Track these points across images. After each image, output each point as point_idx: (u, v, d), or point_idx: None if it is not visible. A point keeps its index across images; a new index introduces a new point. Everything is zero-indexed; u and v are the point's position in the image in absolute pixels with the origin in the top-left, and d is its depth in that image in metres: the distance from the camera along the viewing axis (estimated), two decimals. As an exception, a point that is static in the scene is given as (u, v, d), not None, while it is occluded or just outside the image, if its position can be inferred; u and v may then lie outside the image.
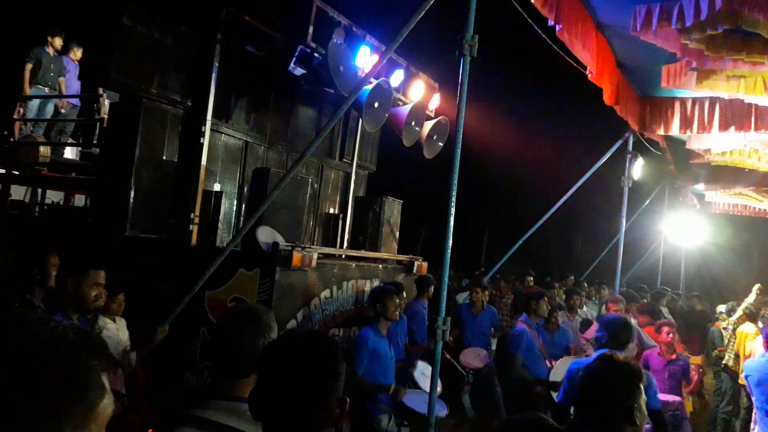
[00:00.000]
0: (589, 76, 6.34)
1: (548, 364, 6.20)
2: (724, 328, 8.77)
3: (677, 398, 6.14)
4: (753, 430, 5.65)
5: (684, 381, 6.59)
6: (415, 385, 5.66)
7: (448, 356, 6.90)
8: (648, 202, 12.71)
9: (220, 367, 2.31)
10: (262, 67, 6.63)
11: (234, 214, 7.08)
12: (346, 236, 8.39)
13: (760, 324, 7.53)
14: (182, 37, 6.19)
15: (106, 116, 7.50)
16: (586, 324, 7.66)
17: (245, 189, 7.04)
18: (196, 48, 6.26)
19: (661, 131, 8.36)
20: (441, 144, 7.70)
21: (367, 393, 5.20)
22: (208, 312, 5.12)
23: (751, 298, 8.37)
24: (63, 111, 9.13)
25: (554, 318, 6.72)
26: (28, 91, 8.53)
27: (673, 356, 6.51)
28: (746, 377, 5.56)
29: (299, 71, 6.16)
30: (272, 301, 4.94)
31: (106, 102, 7.82)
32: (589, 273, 12.68)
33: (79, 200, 8.84)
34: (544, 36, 5.43)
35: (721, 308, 9.67)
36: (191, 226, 6.09)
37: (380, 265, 6.85)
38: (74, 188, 8.56)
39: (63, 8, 9.88)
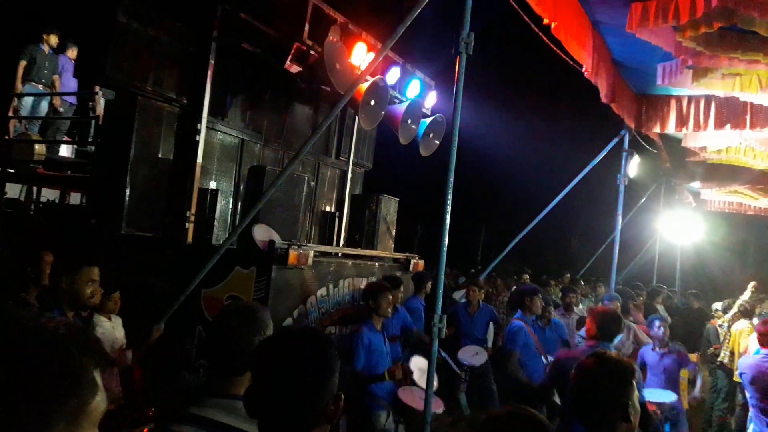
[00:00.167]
0: (585, 73, 6.34)
1: (544, 360, 6.21)
2: (720, 326, 8.80)
3: (673, 397, 6.16)
4: (749, 427, 5.67)
5: (684, 368, 6.64)
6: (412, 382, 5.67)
7: (442, 354, 6.90)
8: (644, 199, 12.76)
9: (216, 365, 2.31)
10: (258, 64, 6.62)
11: (230, 212, 7.07)
12: (343, 234, 8.39)
13: (755, 321, 7.56)
14: (178, 34, 6.17)
15: (101, 114, 7.48)
16: (582, 322, 7.68)
17: (241, 187, 7.02)
18: (191, 45, 6.24)
19: (657, 129, 8.37)
20: (437, 142, 7.69)
21: (365, 383, 5.20)
22: (204, 310, 5.11)
23: (746, 295, 8.40)
24: (62, 110, 9.10)
25: (547, 313, 6.73)
26: (20, 87, 8.49)
27: (666, 349, 6.58)
28: (740, 374, 5.59)
29: (295, 69, 6.14)
30: (268, 299, 4.94)
31: (102, 100, 7.79)
32: (585, 271, 12.71)
33: (75, 198, 8.81)
34: (540, 33, 5.42)
35: (717, 306, 9.71)
36: (187, 224, 6.08)
37: (376, 263, 6.86)
38: (70, 186, 8.53)
39: (58, 5, 9.83)
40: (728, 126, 7.47)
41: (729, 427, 8.14)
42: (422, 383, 5.30)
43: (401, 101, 7.26)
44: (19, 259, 4.55)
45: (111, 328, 4.60)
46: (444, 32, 4.38)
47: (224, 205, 6.91)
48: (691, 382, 7.33)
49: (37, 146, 7.63)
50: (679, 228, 13.91)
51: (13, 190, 8.81)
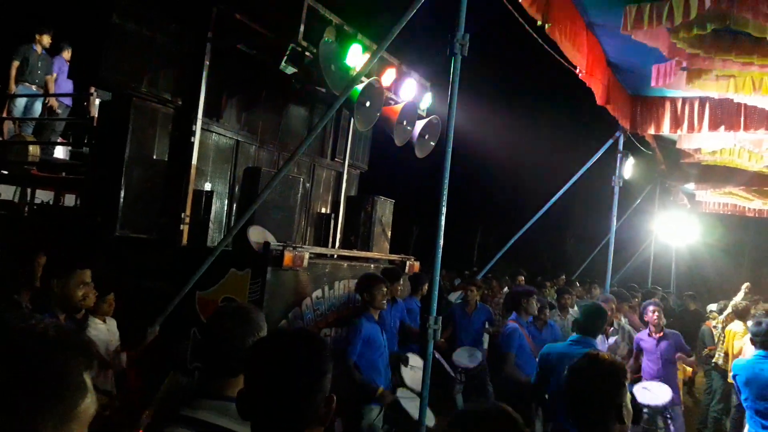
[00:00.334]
0: (580, 75, 6.35)
1: (539, 362, 6.21)
2: (714, 327, 8.82)
3: (667, 397, 6.16)
4: (745, 429, 5.68)
5: (681, 353, 6.66)
6: (402, 381, 5.66)
7: (436, 356, 6.90)
8: (639, 201, 12.77)
9: (210, 367, 2.31)
10: (253, 65, 6.61)
11: (225, 214, 7.05)
12: (338, 236, 8.38)
13: (749, 323, 7.58)
14: (173, 35, 6.15)
15: (95, 115, 7.46)
16: (577, 323, 7.68)
17: (236, 188, 7.01)
18: (186, 46, 6.23)
19: (651, 130, 8.40)
20: (433, 143, 7.69)
21: (359, 394, 5.20)
22: (199, 312, 5.10)
23: (739, 296, 8.42)
24: (59, 111, 9.07)
25: (543, 315, 6.73)
26: (14, 88, 8.46)
27: (661, 333, 6.61)
28: (734, 377, 5.60)
29: (290, 70, 6.14)
30: (263, 301, 4.93)
31: (96, 101, 7.77)
32: (581, 272, 12.72)
33: (69, 200, 8.78)
34: (534, 35, 5.43)
35: (712, 307, 9.73)
36: (182, 225, 6.06)
37: (372, 265, 6.85)
38: (64, 188, 8.50)
39: (52, 5, 9.80)
40: (722, 127, 7.51)
41: (724, 429, 8.16)
42: (415, 383, 5.30)
43: (397, 102, 7.26)
44: (13, 261, 4.53)
45: (105, 331, 4.59)
46: (439, 33, 4.38)
47: (219, 206, 6.90)
48: (686, 384, 7.35)
49: (31, 147, 7.61)
50: (674, 229, 13.94)
51: (7, 192, 8.78)
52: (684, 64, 5.85)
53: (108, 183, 5.83)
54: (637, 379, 6.54)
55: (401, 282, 6.51)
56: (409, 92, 7.35)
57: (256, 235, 5.36)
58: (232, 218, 6.94)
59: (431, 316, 4.20)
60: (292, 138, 7.90)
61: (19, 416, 0.92)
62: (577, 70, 6.31)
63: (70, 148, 8.71)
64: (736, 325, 8.00)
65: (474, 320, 7.94)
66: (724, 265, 17.90)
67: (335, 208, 8.63)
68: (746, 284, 8.66)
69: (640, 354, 6.73)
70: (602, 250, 10.34)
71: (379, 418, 5.30)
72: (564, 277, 13.27)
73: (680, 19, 4.57)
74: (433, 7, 4.57)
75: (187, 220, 6.10)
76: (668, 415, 6.21)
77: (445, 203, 4.22)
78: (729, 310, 8.32)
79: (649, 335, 6.71)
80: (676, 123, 7.92)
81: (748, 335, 5.98)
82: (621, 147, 8.95)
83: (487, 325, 8.19)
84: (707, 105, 7.58)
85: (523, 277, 12.06)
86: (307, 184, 8.13)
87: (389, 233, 8.14)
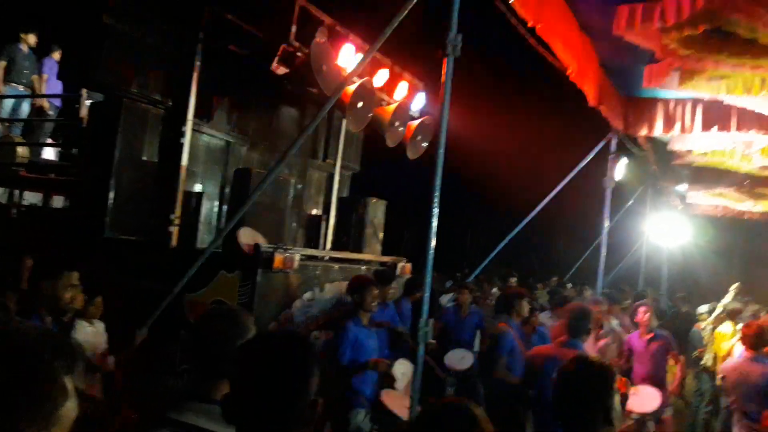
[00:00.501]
0: (571, 77, 6.35)
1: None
2: (703, 329, 8.84)
3: (656, 404, 6.16)
4: (733, 430, 5.68)
5: (669, 354, 6.67)
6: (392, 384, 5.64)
7: (426, 358, 6.87)
8: (631, 202, 12.80)
9: (199, 369, 2.30)
10: (244, 66, 6.58)
11: (215, 216, 7.02)
12: (330, 237, 8.35)
13: (740, 325, 7.60)
14: (163, 35, 6.13)
15: (85, 116, 7.40)
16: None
17: (227, 190, 6.98)
18: (177, 47, 6.20)
19: (644, 132, 8.42)
20: (425, 145, 7.68)
21: (350, 375, 5.17)
22: (188, 314, 5.06)
23: (728, 298, 8.44)
24: (51, 113, 9.01)
25: (534, 318, 6.71)
26: (2, 89, 8.40)
27: (651, 334, 6.60)
28: (722, 378, 5.61)
29: (282, 70, 6.11)
30: (254, 303, 4.91)
31: (87, 102, 7.71)
32: (572, 274, 12.74)
33: (58, 202, 8.71)
34: (527, 35, 5.43)
35: (702, 309, 9.75)
36: (172, 227, 6.03)
37: (363, 267, 6.82)
38: (53, 189, 8.43)
39: (42, 6, 9.74)
40: (714, 128, 7.53)
41: (713, 431, 8.17)
42: (403, 385, 5.29)
43: (389, 103, 7.24)
44: (1, 263, 4.50)
45: (93, 333, 4.55)
46: (432, 34, 4.37)
47: (209, 208, 6.87)
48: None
49: (19, 149, 7.55)
50: (666, 231, 13.98)
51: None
52: (676, 65, 5.86)
53: (97, 184, 5.81)
54: (628, 382, 6.54)
55: (392, 285, 6.49)
56: (402, 93, 7.34)
57: (247, 236, 5.33)
58: (223, 220, 6.91)
59: (422, 319, 4.18)
60: (284, 139, 7.86)
61: (1, 420, 0.91)
62: (569, 71, 6.30)
63: (59, 149, 8.66)
64: (725, 327, 8.02)
65: (467, 324, 7.93)
66: (716, 266, 17.93)
67: (327, 209, 8.61)
68: (735, 285, 8.69)
69: (630, 355, 6.73)
70: (594, 252, 10.36)
71: (366, 420, 5.27)
72: (556, 278, 13.29)
73: (672, 20, 4.58)
74: (425, 7, 4.56)
75: (177, 221, 6.07)
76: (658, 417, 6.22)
77: (437, 205, 4.21)
78: (718, 311, 8.34)
79: (640, 336, 6.71)
80: (669, 124, 7.94)
81: (736, 337, 6.00)
82: (613, 148, 8.96)
83: (478, 332, 8.17)
84: (699, 106, 7.61)
85: (515, 279, 12.07)
86: (299, 186, 8.10)
87: (381, 235, 8.13)
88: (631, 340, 6.83)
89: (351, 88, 6.07)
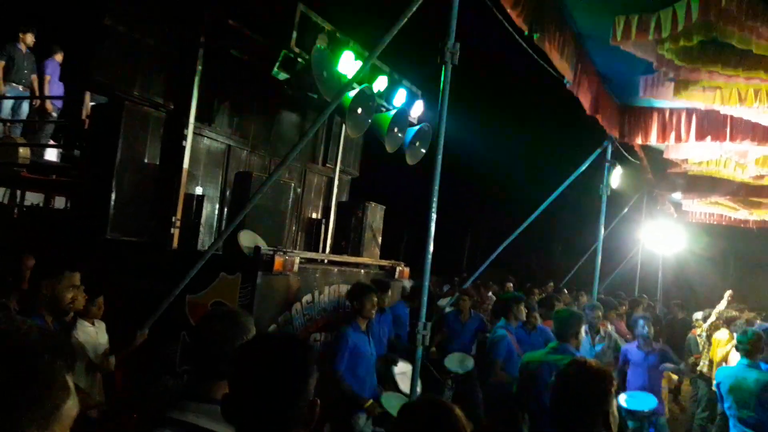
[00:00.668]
0: (568, 86, 6.41)
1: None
2: (699, 336, 8.88)
3: (653, 404, 6.21)
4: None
5: (667, 364, 6.71)
6: (395, 385, 5.68)
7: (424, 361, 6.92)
8: (626, 210, 12.84)
9: (199, 370, 2.31)
10: (245, 71, 6.64)
11: (216, 218, 7.06)
12: (329, 241, 8.40)
13: (734, 331, 7.65)
14: (165, 39, 6.16)
15: (87, 118, 7.44)
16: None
17: (227, 193, 7.02)
18: (179, 50, 6.24)
19: (639, 140, 8.46)
20: (423, 150, 7.74)
21: (348, 403, 5.22)
22: (188, 316, 5.10)
23: (722, 305, 8.49)
24: (54, 115, 9.02)
25: (533, 318, 6.75)
26: (2, 88, 8.42)
27: (650, 347, 6.65)
28: (717, 384, 5.64)
29: (283, 76, 6.17)
30: (253, 305, 4.94)
31: (89, 104, 7.76)
32: (568, 280, 12.78)
33: (60, 203, 8.75)
34: (524, 44, 5.48)
35: (698, 315, 9.79)
36: (173, 229, 6.07)
37: (362, 270, 6.87)
38: (54, 190, 8.47)
39: (44, 8, 9.78)
40: (709, 138, 7.58)
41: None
42: (405, 387, 5.33)
43: (388, 109, 7.30)
44: (2, 263, 4.52)
45: (94, 333, 4.58)
46: (431, 42, 4.42)
47: (210, 210, 6.91)
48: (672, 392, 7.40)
49: (21, 149, 7.57)
50: (661, 238, 14.04)
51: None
52: (671, 75, 5.92)
53: (99, 186, 5.83)
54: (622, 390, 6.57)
55: (389, 293, 6.52)
56: (401, 99, 7.40)
57: (247, 239, 5.38)
58: (223, 222, 6.95)
59: (420, 322, 4.23)
60: (284, 143, 7.92)
61: (2, 418, 0.92)
62: (565, 81, 6.35)
63: (61, 150, 8.68)
64: (721, 333, 8.06)
65: (467, 329, 7.97)
66: (710, 273, 18.01)
67: (326, 213, 8.66)
68: (729, 292, 8.74)
69: (626, 364, 6.76)
70: (590, 258, 10.40)
71: (368, 423, 5.32)
72: (552, 284, 13.33)
73: (668, 32, 4.63)
74: (425, 15, 4.61)
75: (178, 223, 6.11)
76: (654, 421, 6.25)
77: (435, 209, 4.25)
78: (713, 318, 8.39)
79: (638, 348, 6.73)
80: (664, 133, 7.99)
81: (732, 343, 6.05)
82: (609, 156, 9.01)
83: (479, 335, 8.21)
84: (694, 116, 7.66)
85: (512, 284, 12.11)
86: (299, 190, 8.15)
87: (380, 239, 8.18)
88: (628, 350, 6.85)
89: (351, 94, 6.13)
